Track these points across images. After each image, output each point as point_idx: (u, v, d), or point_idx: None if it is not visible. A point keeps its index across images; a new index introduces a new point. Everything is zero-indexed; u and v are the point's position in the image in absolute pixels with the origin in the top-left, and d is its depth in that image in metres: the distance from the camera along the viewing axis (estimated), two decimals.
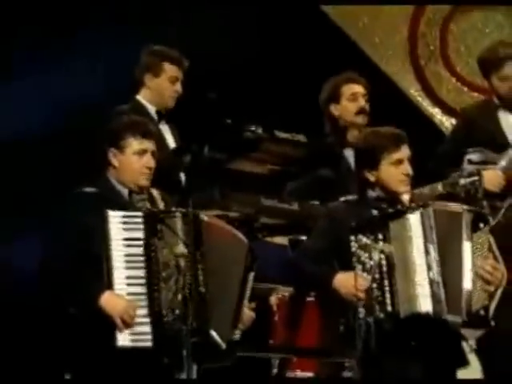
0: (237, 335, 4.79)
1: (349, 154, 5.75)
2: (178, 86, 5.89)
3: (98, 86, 6.51)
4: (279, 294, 6.01)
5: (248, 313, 4.84)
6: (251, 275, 4.87)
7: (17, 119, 6.65)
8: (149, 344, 4.65)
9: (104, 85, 6.47)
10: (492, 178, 5.89)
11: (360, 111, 5.90)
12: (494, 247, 4.84)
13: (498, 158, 5.92)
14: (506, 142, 5.95)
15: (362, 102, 5.92)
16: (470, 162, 5.92)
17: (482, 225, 4.82)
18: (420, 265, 4.76)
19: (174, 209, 4.81)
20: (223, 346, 4.75)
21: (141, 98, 5.90)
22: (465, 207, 4.87)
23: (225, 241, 4.86)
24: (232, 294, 4.80)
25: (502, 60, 5.97)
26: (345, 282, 4.78)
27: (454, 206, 4.90)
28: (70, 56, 6.71)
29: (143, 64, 5.91)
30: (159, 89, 5.88)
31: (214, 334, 4.74)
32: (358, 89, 5.95)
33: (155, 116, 5.86)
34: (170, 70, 5.88)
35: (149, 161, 4.81)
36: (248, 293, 4.86)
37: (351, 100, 5.94)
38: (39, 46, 6.73)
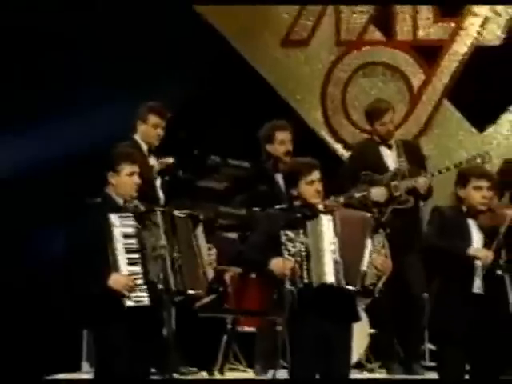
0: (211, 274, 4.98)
1: (279, 177, 5.85)
2: (159, 131, 6.01)
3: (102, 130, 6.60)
4: (231, 273, 6.09)
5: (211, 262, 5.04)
6: (197, 236, 4.98)
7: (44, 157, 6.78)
8: (147, 303, 4.81)
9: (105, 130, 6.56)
10: (379, 192, 6.07)
11: (287, 153, 6.04)
12: (387, 246, 4.97)
13: (380, 178, 6.08)
14: (385, 168, 6.16)
15: (288, 146, 6.11)
16: (363, 181, 6.08)
17: (381, 230, 4.97)
18: (327, 250, 4.91)
19: (155, 208, 4.96)
20: (195, 293, 4.90)
21: (137, 137, 6.04)
22: (369, 215, 5.05)
23: (183, 223, 4.97)
24: (196, 257, 4.95)
25: (382, 112, 6.15)
26: (276, 264, 4.91)
27: (363, 213, 5.12)
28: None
29: (137, 114, 6.02)
30: (146, 132, 6.02)
31: (191, 292, 4.90)
32: (286, 136, 6.13)
33: (146, 151, 6.01)
34: (153, 119, 5.99)
35: (136, 179, 4.98)
36: (203, 244, 4.99)
37: (281, 144, 6.10)
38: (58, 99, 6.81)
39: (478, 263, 4.90)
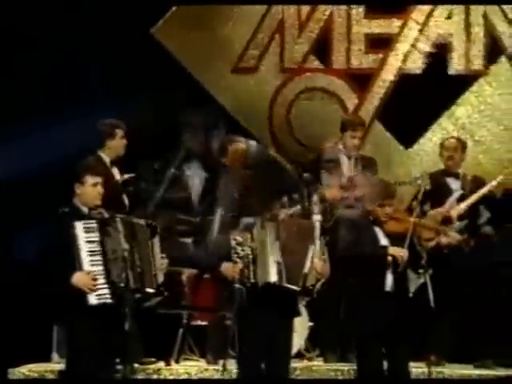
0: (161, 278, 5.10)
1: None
2: (125, 140, 6.17)
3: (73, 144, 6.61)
4: (187, 273, 6.16)
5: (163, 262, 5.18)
6: (154, 243, 5.11)
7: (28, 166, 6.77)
8: (109, 301, 4.95)
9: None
10: (333, 191, 6.15)
11: (239, 163, 6.13)
12: (326, 252, 5.12)
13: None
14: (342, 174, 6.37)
15: (241, 157, 6.23)
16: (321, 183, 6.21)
17: (321, 237, 5.10)
18: (271, 254, 5.01)
19: (116, 215, 5.09)
20: (153, 291, 5.09)
21: (101, 152, 6.18)
22: (312, 224, 5.11)
23: (141, 230, 5.11)
24: (151, 259, 5.10)
25: (358, 124, 6.21)
26: (227, 268, 5.05)
27: (307, 221, 5.19)
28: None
29: (103, 132, 6.12)
30: (115, 146, 6.14)
31: (149, 290, 5.08)
32: (238, 146, 6.24)
33: (109, 163, 6.12)
34: (119, 132, 6.17)
35: (99, 189, 5.14)
36: (157, 251, 5.12)
37: (234, 153, 6.19)
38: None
39: (389, 264, 5.01)
